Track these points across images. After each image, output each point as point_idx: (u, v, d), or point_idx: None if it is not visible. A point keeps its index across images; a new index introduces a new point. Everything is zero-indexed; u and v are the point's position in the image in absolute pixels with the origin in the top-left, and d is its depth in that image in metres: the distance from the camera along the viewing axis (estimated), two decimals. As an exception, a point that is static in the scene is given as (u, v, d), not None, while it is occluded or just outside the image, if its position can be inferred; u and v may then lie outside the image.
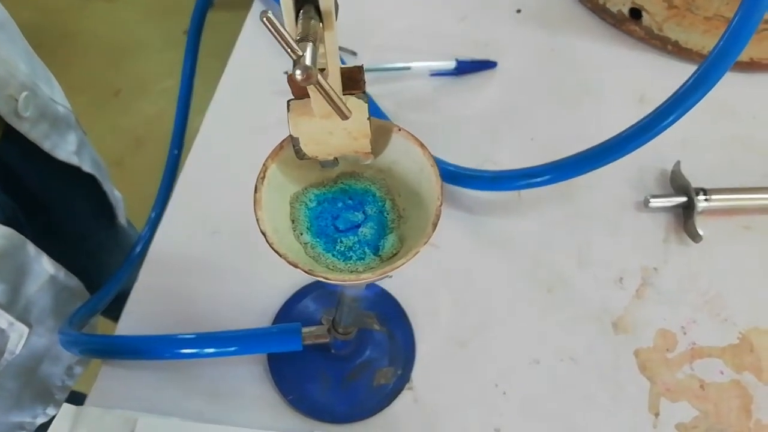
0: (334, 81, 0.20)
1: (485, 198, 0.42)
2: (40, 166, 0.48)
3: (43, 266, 0.44)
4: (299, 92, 0.21)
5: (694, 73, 0.33)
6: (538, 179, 0.37)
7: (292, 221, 0.24)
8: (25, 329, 0.43)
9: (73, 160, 0.50)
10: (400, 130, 0.23)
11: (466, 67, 0.48)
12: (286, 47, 0.16)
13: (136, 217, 0.74)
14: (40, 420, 0.51)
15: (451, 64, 0.48)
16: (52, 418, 0.52)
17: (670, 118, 0.34)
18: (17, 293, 0.42)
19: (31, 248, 0.43)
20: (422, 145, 0.23)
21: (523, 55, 0.50)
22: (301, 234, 0.23)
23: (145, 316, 0.38)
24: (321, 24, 0.17)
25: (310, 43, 0.16)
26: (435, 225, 0.21)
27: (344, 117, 0.19)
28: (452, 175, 0.41)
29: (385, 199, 0.24)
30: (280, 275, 0.39)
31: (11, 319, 0.41)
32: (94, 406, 0.35)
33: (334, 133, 0.22)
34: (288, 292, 0.38)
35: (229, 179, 0.44)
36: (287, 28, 0.16)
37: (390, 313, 0.38)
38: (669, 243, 0.41)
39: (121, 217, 0.69)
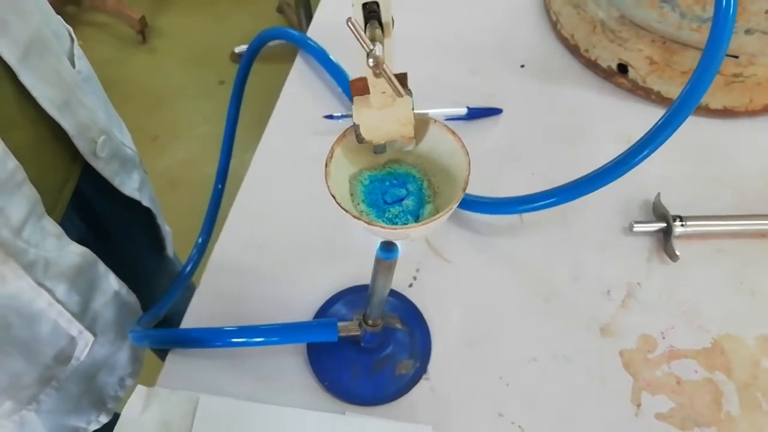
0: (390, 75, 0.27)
1: (492, 221, 0.49)
2: (108, 198, 0.55)
3: (110, 283, 0.50)
4: (359, 91, 0.28)
5: (661, 118, 0.39)
6: (536, 204, 0.44)
7: (351, 195, 0.30)
8: (91, 338, 0.49)
9: (135, 195, 0.57)
10: (436, 122, 0.30)
11: (476, 113, 0.56)
12: (364, 43, 0.23)
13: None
14: (93, 427, 0.56)
15: (462, 111, 0.55)
16: (102, 426, 0.58)
17: (643, 154, 0.40)
18: (87, 305, 0.48)
19: (101, 266, 0.49)
20: (454, 133, 0.29)
21: (525, 103, 0.57)
22: (358, 204, 0.30)
23: (205, 316, 0.45)
24: (383, 32, 0.25)
25: (378, 42, 0.23)
26: (464, 189, 0.27)
27: (400, 95, 0.26)
28: (464, 202, 0.48)
29: (423, 179, 0.31)
30: (317, 283, 0.46)
31: (81, 327, 0.47)
32: (162, 387, 0.41)
33: (386, 121, 0.28)
34: (323, 297, 0.45)
35: (275, 203, 0.51)
36: (363, 36, 0.23)
37: (410, 316, 0.44)
38: (651, 262, 0.47)
39: (170, 249, 0.76)
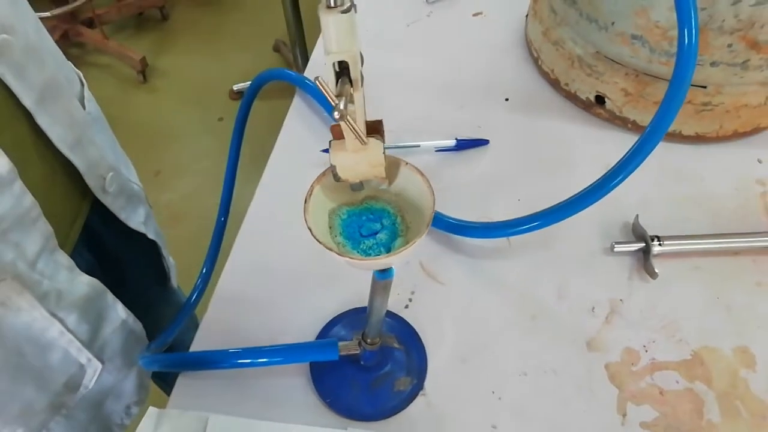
0: (359, 124, 0.30)
1: (481, 245, 0.52)
2: (116, 232, 0.58)
3: (118, 312, 0.52)
4: (337, 136, 0.32)
5: (633, 145, 0.42)
6: (522, 227, 0.46)
7: (330, 228, 0.33)
8: (99, 365, 0.50)
9: (141, 229, 0.60)
10: (407, 164, 0.33)
11: (464, 144, 0.59)
12: (330, 98, 0.26)
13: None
14: None
15: (451, 142, 0.59)
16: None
17: (618, 179, 0.42)
18: (96, 334, 0.50)
19: (110, 296, 0.51)
20: (422, 174, 0.33)
21: (510, 134, 0.61)
22: (335, 236, 0.33)
23: (213, 342, 0.47)
24: (351, 87, 0.28)
25: (344, 97, 0.27)
26: (428, 225, 0.30)
27: (363, 143, 0.29)
28: (455, 227, 0.51)
29: (397, 215, 0.34)
30: (318, 307, 0.48)
31: (90, 355, 0.49)
32: (173, 408, 0.44)
33: (360, 162, 0.32)
34: (324, 320, 0.48)
35: (278, 232, 0.54)
36: (331, 89, 0.26)
37: (407, 336, 0.47)
38: (632, 280, 0.50)
39: (173, 280, 0.78)
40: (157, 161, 1.82)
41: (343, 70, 0.28)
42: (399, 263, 0.31)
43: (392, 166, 0.33)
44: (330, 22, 0.26)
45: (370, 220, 0.34)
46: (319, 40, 0.75)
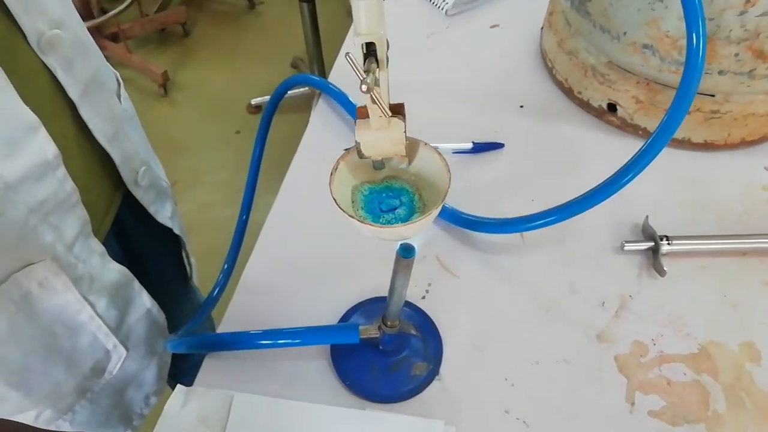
0: (384, 101, 0.32)
1: (496, 241, 0.54)
2: (144, 226, 0.61)
3: (144, 300, 0.55)
4: (362, 116, 0.34)
5: (644, 145, 0.45)
6: (536, 222, 0.48)
7: (353, 202, 0.36)
8: (124, 352, 0.53)
9: (168, 223, 0.62)
10: (425, 144, 0.36)
11: (480, 148, 0.62)
12: (358, 73, 0.29)
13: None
14: None
15: (468, 145, 0.61)
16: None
17: (628, 176, 0.44)
18: (123, 321, 0.52)
19: (136, 285, 0.54)
20: (440, 154, 0.35)
21: (525, 139, 0.63)
22: (358, 210, 0.36)
23: (237, 328, 0.49)
24: (378, 66, 0.31)
25: (371, 73, 0.30)
26: (443, 199, 0.33)
27: (386, 115, 0.32)
28: (471, 223, 0.53)
29: (415, 193, 0.37)
30: (338, 297, 0.50)
31: (116, 341, 0.51)
32: (200, 386, 0.46)
33: (382, 140, 0.34)
34: (343, 309, 0.50)
35: (300, 227, 0.57)
36: (359, 66, 0.29)
37: (424, 325, 0.49)
38: (641, 277, 0.52)
39: (195, 279, 0.81)
40: (175, 172, 1.86)
41: (370, 52, 0.31)
42: (414, 233, 0.33)
43: (412, 147, 0.36)
44: (360, 7, 0.29)
45: (390, 197, 0.37)
46: (337, 59, 0.77)
